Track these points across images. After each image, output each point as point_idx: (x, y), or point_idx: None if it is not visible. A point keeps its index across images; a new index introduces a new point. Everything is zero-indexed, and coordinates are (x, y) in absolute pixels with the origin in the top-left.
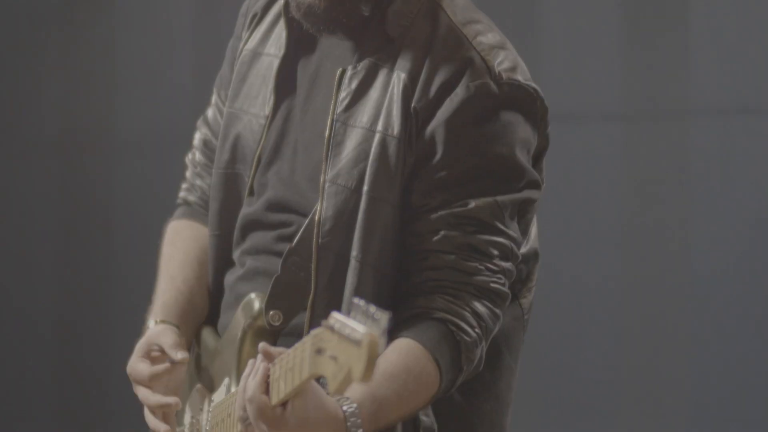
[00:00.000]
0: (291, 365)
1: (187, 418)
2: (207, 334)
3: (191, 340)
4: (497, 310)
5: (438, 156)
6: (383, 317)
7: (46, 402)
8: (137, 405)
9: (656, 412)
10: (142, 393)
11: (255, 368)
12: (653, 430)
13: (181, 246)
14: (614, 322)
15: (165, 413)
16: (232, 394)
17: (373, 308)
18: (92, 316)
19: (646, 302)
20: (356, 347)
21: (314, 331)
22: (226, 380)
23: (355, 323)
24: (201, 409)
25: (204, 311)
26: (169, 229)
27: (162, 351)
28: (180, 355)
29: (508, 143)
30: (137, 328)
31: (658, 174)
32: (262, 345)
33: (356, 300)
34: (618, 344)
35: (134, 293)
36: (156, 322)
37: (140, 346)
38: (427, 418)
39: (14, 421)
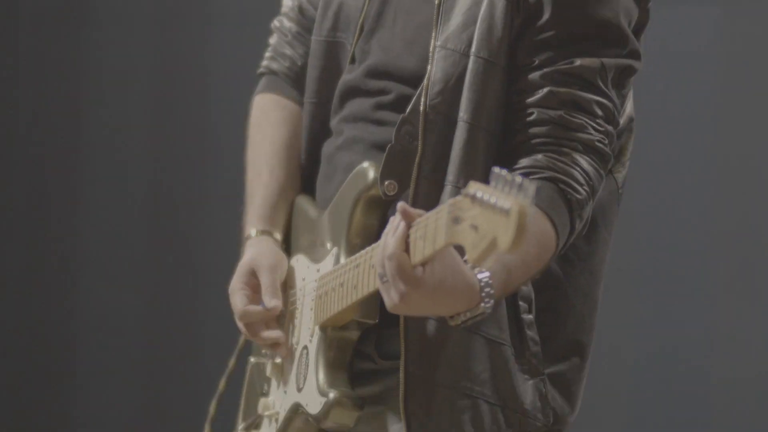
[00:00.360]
0: (426, 231)
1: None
2: (304, 203)
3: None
4: (601, 171)
5: (545, 17)
6: (530, 186)
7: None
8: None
9: (751, 293)
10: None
11: (394, 226)
12: (745, 311)
13: (268, 131)
14: (709, 201)
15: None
16: (344, 264)
17: (518, 178)
18: (187, 187)
19: (740, 181)
20: (504, 216)
21: (451, 200)
22: (335, 250)
23: (500, 192)
24: (303, 279)
25: (294, 196)
26: (255, 106)
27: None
28: (273, 303)
29: (613, 8)
30: (231, 200)
31: (756, 55)
32: (401, 204)
33: (497, 169)
34: (711, 222)
35: (229, 159)
36: (257, 232)
37: (242, 269)
38: (526, 287)
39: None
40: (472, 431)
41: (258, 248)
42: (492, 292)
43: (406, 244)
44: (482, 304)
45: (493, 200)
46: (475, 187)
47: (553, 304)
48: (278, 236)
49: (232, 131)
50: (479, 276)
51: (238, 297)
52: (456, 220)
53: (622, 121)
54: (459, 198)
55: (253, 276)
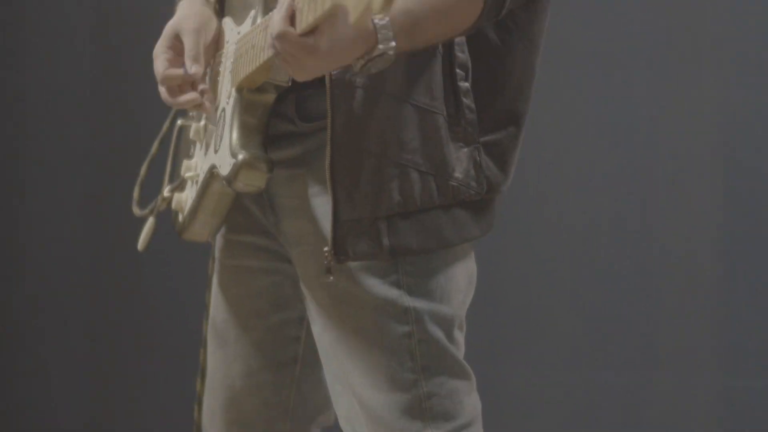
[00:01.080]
0: None
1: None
2: None
3: None
4: None
5: None
6: None
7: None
8: None
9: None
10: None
11: (280, 3)
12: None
13: None
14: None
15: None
16: (257, 25)
17: None
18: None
19: None
20: None
21: None
22: (253, 12)
23: None
24: (228, 42)
25: None
26: None
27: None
28: (194, 68)
29: None
30: None
31: None
32: None
33: None
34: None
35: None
36: None
37: (167, 32)
38: (463, 54)
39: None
40: (400, 199)
41: (186, 10)
42: (390, 34)
43: (292, 18)
44: (380, 45)
45: None
46: None
47: (490, 72)
48: None
49: None
50: (375, 20)
51: (159, 61)
52: None
53: None
54: None
55: (177, 39)
